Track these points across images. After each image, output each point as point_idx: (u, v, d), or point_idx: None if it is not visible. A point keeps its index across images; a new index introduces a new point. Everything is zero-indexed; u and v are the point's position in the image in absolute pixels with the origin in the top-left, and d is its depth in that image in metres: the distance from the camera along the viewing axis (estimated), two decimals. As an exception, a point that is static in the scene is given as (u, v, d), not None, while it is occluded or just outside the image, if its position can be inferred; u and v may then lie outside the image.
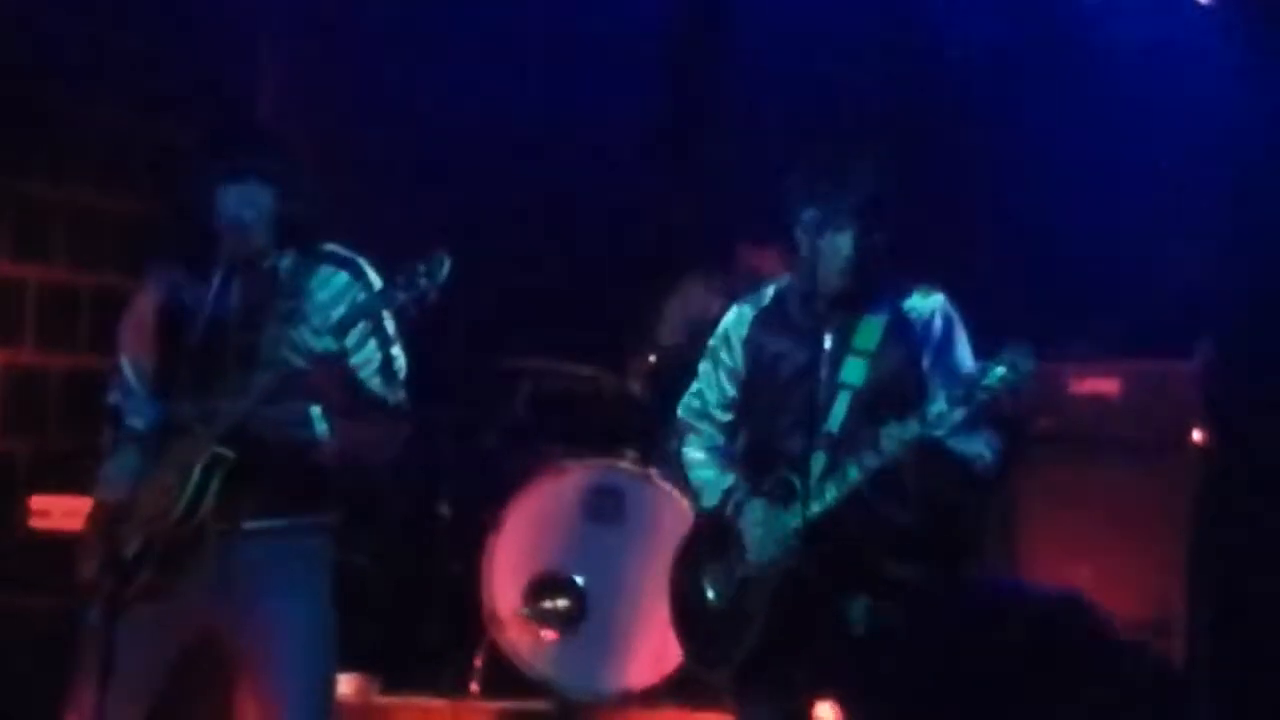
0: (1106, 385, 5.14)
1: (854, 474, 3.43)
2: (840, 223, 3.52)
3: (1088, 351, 5.30)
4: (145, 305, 3.72)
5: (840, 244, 3.52)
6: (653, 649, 4.95)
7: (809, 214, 3.53)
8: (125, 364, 3.74)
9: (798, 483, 3.49)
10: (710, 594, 3.64)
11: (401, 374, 3.63)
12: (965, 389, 3.33)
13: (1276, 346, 5.21)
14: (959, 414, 3.34)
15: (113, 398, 3.74)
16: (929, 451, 3.42)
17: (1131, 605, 4.90)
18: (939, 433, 3.38)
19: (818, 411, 3.52)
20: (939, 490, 3.52)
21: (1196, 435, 5.00)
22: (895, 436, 3.38)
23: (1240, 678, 4.74)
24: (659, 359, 5.53)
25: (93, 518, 3.67)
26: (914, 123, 5.85)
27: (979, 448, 3.50)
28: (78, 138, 5.34)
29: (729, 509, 3.61)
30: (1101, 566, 5.01)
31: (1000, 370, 3.31)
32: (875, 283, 3.60)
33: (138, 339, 3.72)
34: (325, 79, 6.22)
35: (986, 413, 3.42)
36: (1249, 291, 5.43)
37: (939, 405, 3.35)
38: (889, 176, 3.61)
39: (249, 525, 3.53)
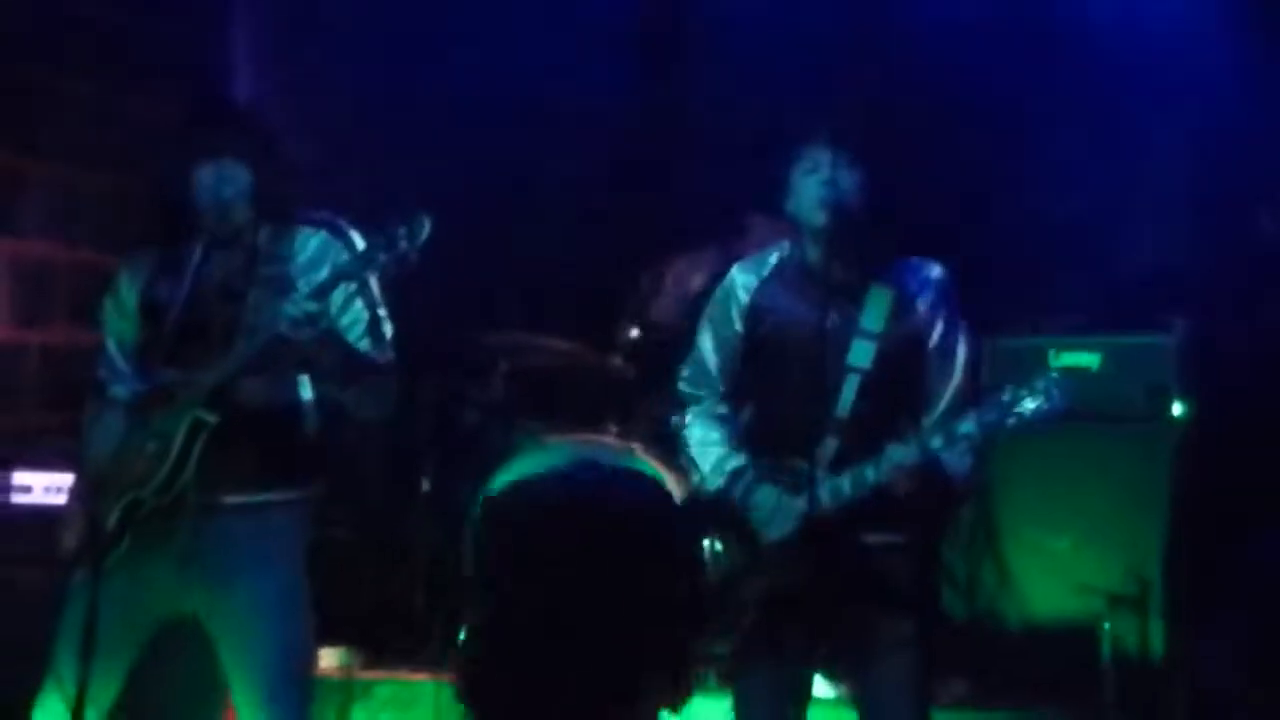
0: (1085, 359, 5.16)
1: (870, 475, 3.43)
2: (848, 160, 3.55)
3: (1066, 325, 5.33)
4: (125, 286, 3.71)
5: (842, 179, 3.54)
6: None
7: (820, 151, 3.56)
8: (110, 343, 3.74)
9: (807, 470, 3.48)
10: (709, 568, 3.63)
11: (389, 334, 3.63)
12: (998, 415, 3.35)
13: (1252, 319, 5.25)
14: (988, 436, 3.37)
15: (100, 374, 3.73)
16: (921, 466, 3.42)
17: (1111, 578, 4.92)
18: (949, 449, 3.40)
19: (826, 395, 3.53)
20: (921, 499, 3.52)
21: (1175, 408, 5.03)
22: (895, 461, 3.40)
23: (1216, 650, 4.78)
24: (646, 334, 5.52)
25: (75, 487, 3.66)
26: (888, 104, 5.85)
27: (967, 460, 3.49)
28: (53, 113, 5.29)
29: (737, 493, 3.61)
30: (1081, 538, 5.04)
31: (1034, 403, 3.32)
32: (877, 259, 3.60)
33: (120, 319, 3.71)
34: (301, 54, 6.18)
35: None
36: (1221, 264, 5.47)
37: (969, 428, 3.36)
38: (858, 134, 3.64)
39: (230, 500, 3.52)
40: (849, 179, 3.55)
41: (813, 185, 3.57)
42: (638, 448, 5.15)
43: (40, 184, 5.32)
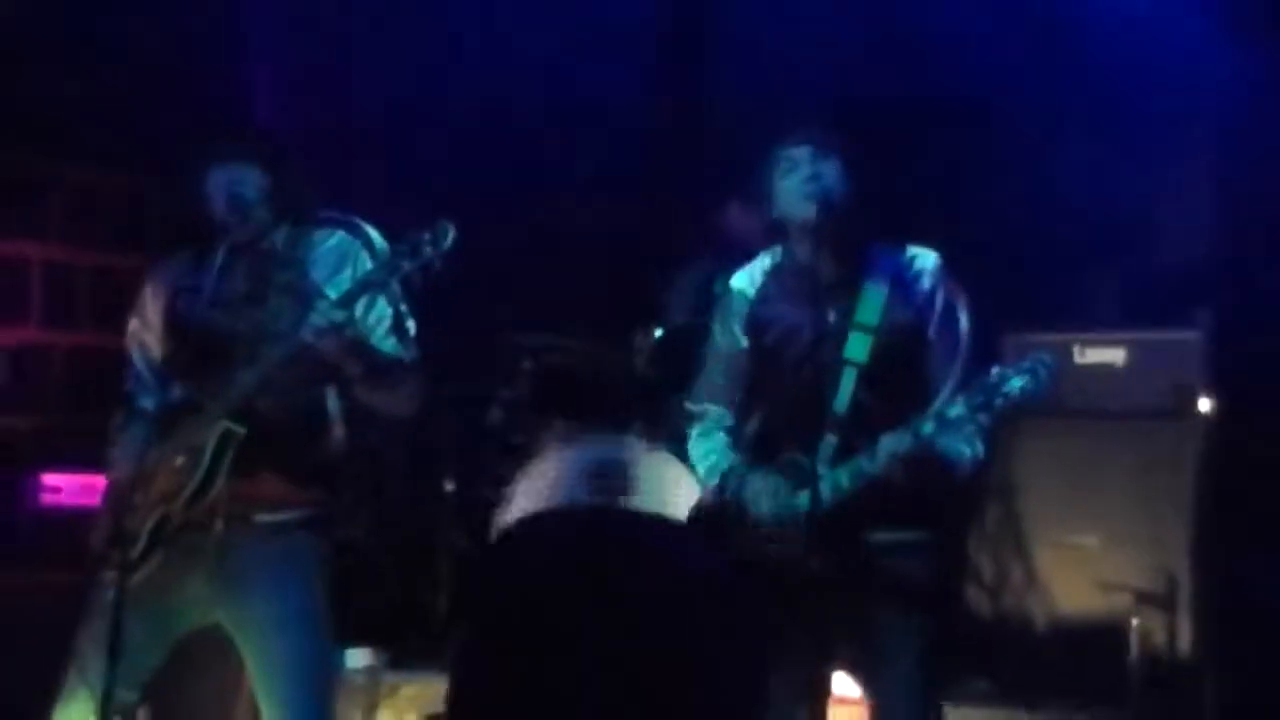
0: (1111, 355, 5.14)
1: (867, 466, 3.41)
2: (827, 152, 3.54)
3: (1092, 322, 5.31)
4: (149, 301, 3.73)
5: (824, 171, 3.53)
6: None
7: (797, 149, 3.55)
8: (135, 358, 3.75)
9: (806, 464, 3.48)
10: None
11: (412, 330, 3.63)
12: (985, 396, 3.32)
13: (1277, 314, 5.22)
14: (980, 418, 3.35)
15: (128, 386, 3.75)
16: (917, 455, 3.39)
17: (1139, 577, 4.90)
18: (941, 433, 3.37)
19: (824, 392, 3.52)
20: (922, 488, 3.50)
21: (1203, 404, 5.00)
22: (889, 450, 3.37)
23: (1245, 654, 4.76)
24: (666, 336, 5.52)
25: (106, 495, 3.67)
26: (906, 100, 5.85)
27: (965, 447, 3.46)
28: (78, 117, 5.32)
29: (730, 487, 3.60)
30: (1108, 537, 5.02)
31: (1021, 380, 3.30)
32: (868, 250, 3.60)
33: (145, 333, 3.73)
34: (321, 65, 6.21)
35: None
36: (1247, 259, 5.44)
37: (958, 410, 3.35)
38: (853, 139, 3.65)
39: (256, 515, 3.53)
40: (831, 171, 3.54)
41: (795, 183, 3.55)
42: (661, 447, 5.16)
43: (66, 188, 5.35)
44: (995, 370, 3.36)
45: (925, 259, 3.61)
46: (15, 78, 5.05)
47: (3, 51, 5.00)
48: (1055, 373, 3.32)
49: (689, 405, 3.81)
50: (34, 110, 5.17)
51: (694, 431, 3.78)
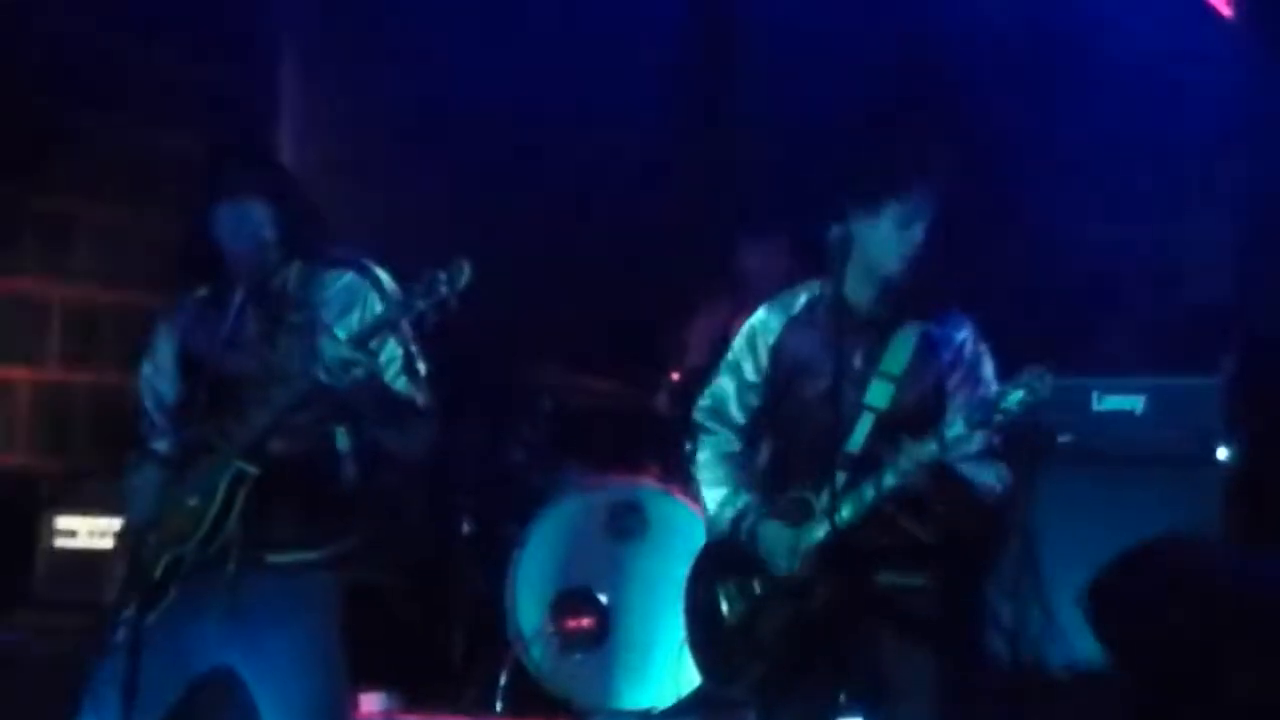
0: (1130, 402, 5.12)
1: (870, 494, 3.43)
2: (923, 211, 3.50)
3: (1111, 368, 5.29)
4: (162, 344, 3.74)
5: (914, 234, 3.49)
6: (675, 665, 4.94)
7: (890, 206, 3.49)
8: (147, 403, 3.76)
9: (814, 501, 3.49)
10: (725, 612, 3.63)
11: (424, 371, 3.62)
12: (984, 413, 3.34)
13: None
14: (977, 438, 3.36)
15: (142, 428, 3.77)
16: (943, 476, 3.41)
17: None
18: (955, 456, 3.39)
19: (839, 432, 3.52)
20: (951, 515, 3.51)
21: (1221, 452, 4.98)
22: (913, 456, 3.38)
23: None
24: (684, 378, 5.52)
25: (120, 537, 3.69)
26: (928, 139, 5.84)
27: (990, 479, 3.50)
28: (100, 155, 5.36)
29: (742, 534, 3.60)
30: (1126, 584, 4.98)
31: (1018, 394, 3.32)
32: (912, 296, 3.59)
33: (156, 375, 3.74)
34: (343, 94, 6.23)
35: (1003, 440, 3.43)
36: (1270, 305, 5.41)
37: (957, 429, 3.36)
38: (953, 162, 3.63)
39: (269, 558, 3.54)
40: (924, 229, 3.52)
41: (904, 239, 3.50)
42: (678, 489, 5.16)
43: (89, 227, 5.39)
44: (994, 388, 3.39)
45: (958, 322, 3.63)
46: (42, 114, 5.08)
47: (28, 88, 5.04)
48: (1051, 387, 3.32)
49: (697, 417, 3.80)
50: (62, 150, 5.20)
51: (700, 450, 3.77)
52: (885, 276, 3.55)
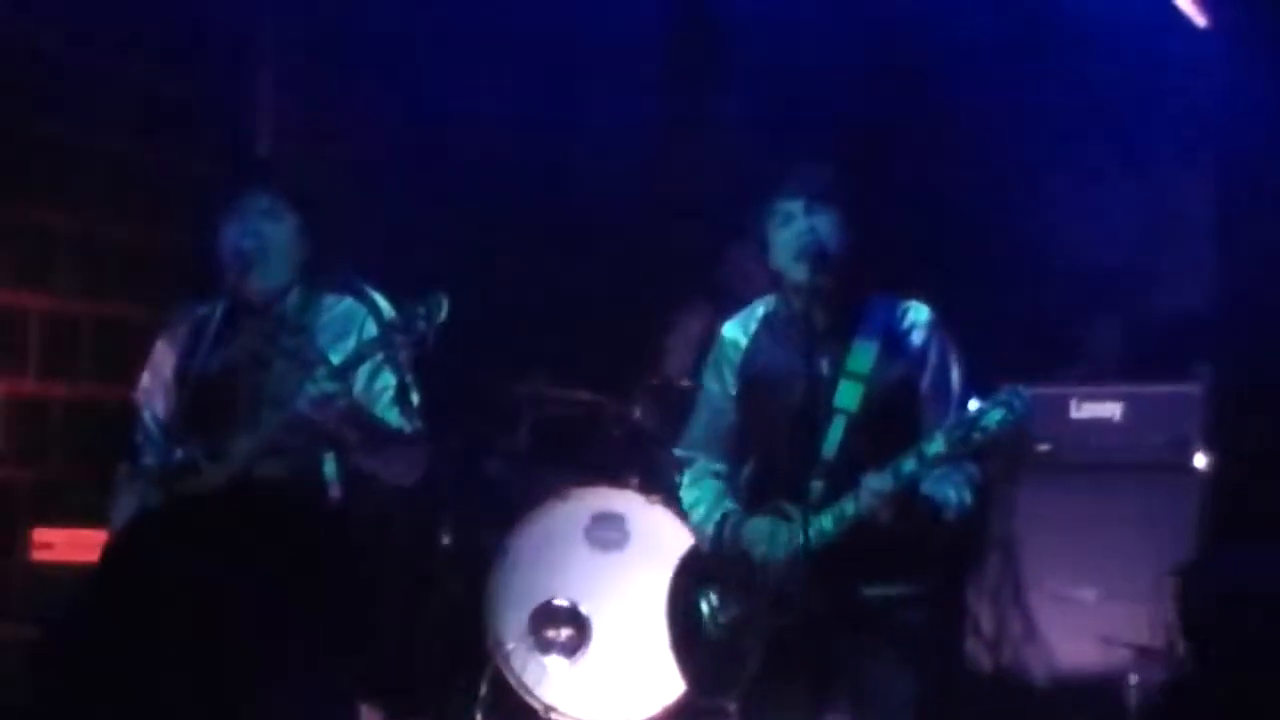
0: (1108, 409, 5.14)
1: (849, 510, 3.43)
2: (824, 205, 3.52)
3: (1088, 376, 5.31)
4: (163, 354, 3.73)
5: (820, 225, 3.50)
6: (656, 677, 4.94)
7: (791, 202, 3.52)
8: (145, 414, 3.76)
9: (794, 511, 3.49)
10: (707, 622, 3.64)
11: (416, 401, 3.62)
12: (964, 431, 3.34)
13: (1276, 368, 5.21)
14: (956, 455, 3.36)
15: (136, 438, 3.75)
16: (903, 498, 3.41)
17: (1137, 631, 4.88)
18: (923, 472, 3.38)
19: (813, 438, 3.52)
20: (917, 534, 3.50)
21: (1199, 459, 4.99)
22: (872, 489, 3.37)
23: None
24: (664, 387, 5.52)
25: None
26: (904, 146, 5.86)
27: (951, 491, 3.48)
28: (79, 165, 5.34)
29: (725, 537, 3.60)
30: (1106, 591, 5.00)
31: (998, 414, 3.33)
32: (862, 301, 3.59)
33: (155, 387, 3.73)
34: (324, 101, 6.22)
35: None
36: (1247, 313, 5.44)
37: (937, 447, 3.35)
38: (863, 180, 3.64)
39: None
40: (826, 224, 3.52)
41: (789, 238, 3.54)
42: (659, 499, 5.15)
43: (68, 238, 5.36)
44: (973, 406, 3.38)
45: (919, 312, 3.62)
46: (16, 123, 5.06)
47: (11, 98, 5.02)
48: (1030, 405, 3.35)
49: (677, 452, 3.82)
50: (42, 159, 5.18)
51: (684, 479, 3.78)
52: (799, 283, 3.55)
